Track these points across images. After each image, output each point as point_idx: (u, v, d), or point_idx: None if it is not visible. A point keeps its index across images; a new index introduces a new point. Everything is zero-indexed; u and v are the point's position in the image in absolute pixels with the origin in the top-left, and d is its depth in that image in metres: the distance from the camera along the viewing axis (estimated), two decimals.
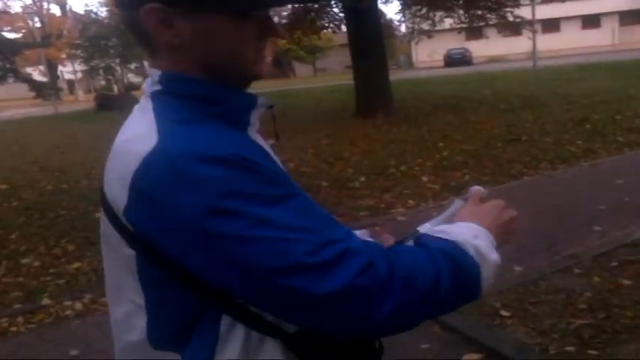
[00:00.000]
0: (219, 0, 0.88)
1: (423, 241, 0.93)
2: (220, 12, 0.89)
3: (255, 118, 0.99)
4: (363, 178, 7.15)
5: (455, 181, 6.66)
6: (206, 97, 0.92)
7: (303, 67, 51.20)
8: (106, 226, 0.92)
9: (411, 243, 1.00)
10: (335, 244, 0.80)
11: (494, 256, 0.94)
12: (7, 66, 8.99)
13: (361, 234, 1.23)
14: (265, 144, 1.05)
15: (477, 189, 1.12)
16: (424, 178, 6.90)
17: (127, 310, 0.93)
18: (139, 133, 0.87)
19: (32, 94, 9.53)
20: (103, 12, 46.03)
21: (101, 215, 0.93)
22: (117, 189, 0.84)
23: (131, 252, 0.87)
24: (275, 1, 0.98)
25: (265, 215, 0.78)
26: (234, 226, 0.77)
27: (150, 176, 0.80)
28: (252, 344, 0.90)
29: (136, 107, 0.96)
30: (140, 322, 0.91)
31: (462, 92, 17.09)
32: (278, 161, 1.01)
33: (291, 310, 0.82)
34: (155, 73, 0.95)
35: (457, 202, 1.13)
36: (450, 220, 1.07)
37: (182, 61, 0.92)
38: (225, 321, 0.88)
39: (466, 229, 0.96)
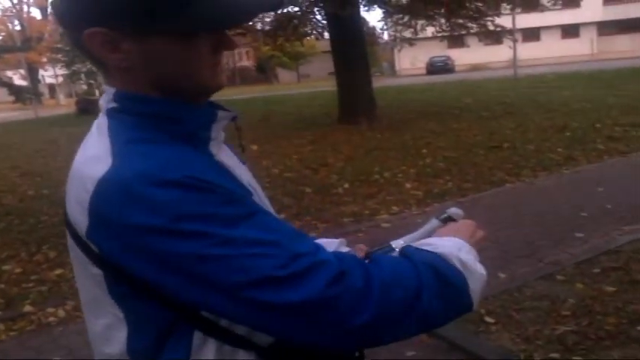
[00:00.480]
0: (165, 23, 0.85)
1: (407, 252, 0.93)
2: (167, 34, 0.86)
3: (218, 131, 0.97)
4: (346, 185, 7.16)
5: (438, 187, 6.70)
6: (161, 115, 0.90)
7: (287, 73, 51.21)
8: (72, 245, 0.92)
9: (396, 254, 1.03)
10: (303, 256, 0.80)
11: (479, 268, 0.95)
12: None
13: (339, 243, 1.26)
14: (232, 156, 1.04)
15: (455, 211, 1.15)
16: (407, 185, 6.93)
17: (107, 322, 0.92)
18: (94, 155, 0.86)
19: (12, 98, 9.36)
20: None
21: (67, 234, 0.93)
22: (77, 212, 0.85)
23: (98, 271, 0.87)
24: (221, 23, 0.92)
25: (225, 234, 0.78)
26: (193, 246, 0.77)
27: (106, 200, 0.80)
28: (224, 358, 0.89)
29: (94, 124, 0.95)
30: (120, 335, 0.91)
31: (444, 100, 17.23)
32: (244, 174, 1.01)
33: (264, 322, 0.82)
34: (110, 91, 0.93)
35: (433, 221, 1.15)
36: (424, 238, 1.09)
37: (134, 81, 0.91)
38: (197, 335, 0.88)
39: (450, 242, 0.98)
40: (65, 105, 38.33)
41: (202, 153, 0.92)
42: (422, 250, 0.94)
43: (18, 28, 42.46)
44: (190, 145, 0.90)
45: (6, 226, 6.44)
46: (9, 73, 31.20)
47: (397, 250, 1.09)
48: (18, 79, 32.94)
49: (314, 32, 17.01)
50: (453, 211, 1.15)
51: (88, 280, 0.91)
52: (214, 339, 0.89)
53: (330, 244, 1.25)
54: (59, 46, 41.20)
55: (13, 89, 8.64)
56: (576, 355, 2.87)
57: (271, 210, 1.06)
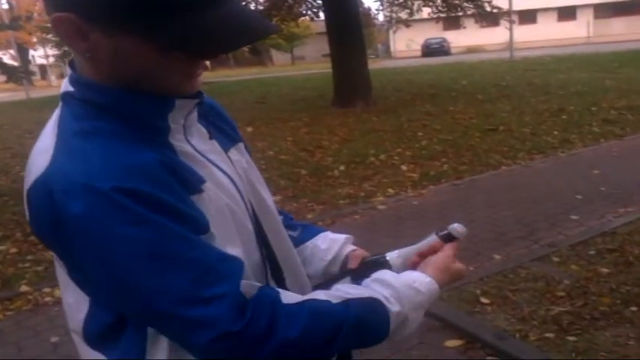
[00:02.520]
0: (140, 30, 0.80)
1: (352, 304, 0.90)
2: (145, 38, 0.81)
3: (179, 120, 0.92)
4: (342, 167, 7.14)
5: (434, 170, 6.70)
6: (112, 106, 0.87)
7: (281, 55, 50.86)
8: None
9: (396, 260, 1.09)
10: (201, 304, 0.78)
11: (417, 321, 0.97)
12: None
13: (345, 240, 1.24)
14: (211, 142, 0.99)
15: (457, 228, 1.10)
16: (403, 167, 6.92)
17: (71, 300, 0.93)
18: (41, 147, 0.86)
19: (2, 78, 9.24)
20: None
21: None
22: (24, 202, 0.87)
23: (56, 255, 0.89)
24: (201, 51, 0.87)
25: (118, 260, 0.78)
26: (90, 260, 0.80)
27: (34, 201, 0.84)
28: (179, 352, 0.88)
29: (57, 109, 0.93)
30: (80, 315, 0.92)
31: (440, 82, 17.17)
32: (222, 162, 0.98)
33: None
34: (71, 74, 0.91)
35: (432, 237, 1.11)
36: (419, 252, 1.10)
37: (95, 70, 0.87)
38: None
39: (413, 296, 0.97)
40: (56, 86, 37.87)
41: (159, 145, 0.88)
42: (370, 301, 0.92)
43: (6, 6, 41.91)
44: (145, 135, 0.87)
45: (0, 206, 6.40)
46: None
47: (390, 261, 1.10)
48: (8, 59, 32.57)
49: (309, 12, 16.90)
50: (455, 227, 1.10)
51: (54, 259, 0.92)
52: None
53: (336, 241, 1.24)
54: (49, 25, 40.65)
55: (5, 68, 8.50)
56: (571, 335, 2.89)
57: (267, 202, 1.06)
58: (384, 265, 1.10)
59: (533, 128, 8.69)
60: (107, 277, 0.80)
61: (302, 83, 21.12)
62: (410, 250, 1.11)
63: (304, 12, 17.05)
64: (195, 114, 0.96)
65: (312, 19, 17.53)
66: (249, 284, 0.84)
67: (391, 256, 1.12)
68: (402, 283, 0.97)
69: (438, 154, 7.43)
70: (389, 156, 7.56)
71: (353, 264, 1.16)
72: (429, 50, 40.31)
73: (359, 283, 1.00)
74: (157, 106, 0.89)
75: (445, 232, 1.10)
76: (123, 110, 0.87)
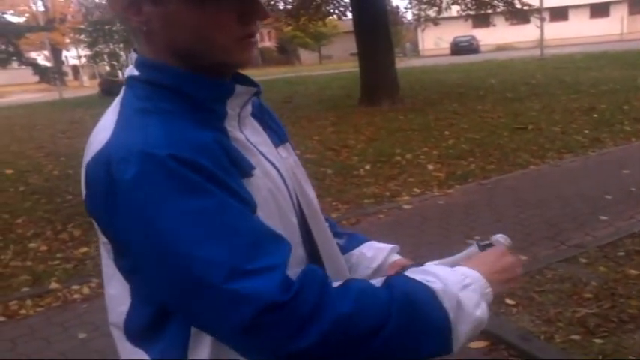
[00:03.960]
0: None
1: (394, 282, 0.88)
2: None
3: (236, 107, 0.93)
4: (368, 166, 7.14)
5: (460, 169, 6.65)
6: (173, 85, 0.89)
7: (308, 54, 50.95)
8: None
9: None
10: (242, 278, 0.75)
11: (479, 311, 0.90)
12: (11, 50, 8.94)
13: (390, 250, 1.24)
14: (262, 134, 1.01)
15: (499, 239, 1.07)
16: (430, 167, 6.89)
17: (114, 292, 0.94)
18: (102, 125, 0.89)
19: (36, 79, 9.47)
20: None
21: None
22: (82, 179, 0.88)
23: (105, 240, 0.89)
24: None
25: (167, 227, 0.77)
26: (140, 228, 0.78)
27: (91, 174, 0.84)
28: (221, 354, 0.88)
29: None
30: (122, 308, 0.93)
31: (469, 81, 17.01)
32: (271, 154, 0.99)
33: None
34: (134, 57, 0.94)
35: (472, 248, 1.07)
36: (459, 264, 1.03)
37: (156, 49, 0.90)
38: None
39: (458, 276, 0.92)
40: (89, 86, 38.70)
41: (215, 129, 0.89)
42: (412, 281, 0.88)
43: (42, 9, 42.84)
44: (204, 118, 0.89)
45: (32, 205, 6.57)
46: (33, 55, 31.50)
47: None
48: (42, 60, 33.33)
49: (337, 11, 16.90)
50: (497, 237, 1.06)
51: (101, 248, 0.93)
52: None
53: (382, 250, 1.23)
54: (82, 26, 41.49)
55: (38, 68, 8.71)
56: (597, 337, 2.85)
57: (310, 197, 1.06)
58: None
59: (563, 127, 8.56)
60: (152, 245, 0.78)
61: (329, 82, 21.15)
62: (450, 261, 1.07)
63: (332, 11, 17.06)
64: (249, 106, 0.98)
65: (339, 17, 17.51)
66: (293, 271, 0.82)
67: (430, 265, 1.06)
68: (442, 269, 0.95)
69: (465, 154, 7.37)
70: (415, 155, 7.53)
71: (391, 271, 1.14)
72: (457, 48, 39.96)
73: None
74: (217, 90, 0.91)
75: (487, 242, 1.06)
76: (184, 91, 0.89)
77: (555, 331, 2.96)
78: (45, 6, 43.68)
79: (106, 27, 40.67)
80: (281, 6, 16.31)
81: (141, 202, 0.77)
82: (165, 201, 0.77)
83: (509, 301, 3.34)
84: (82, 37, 42.09)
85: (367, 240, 1.27)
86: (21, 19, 39.14)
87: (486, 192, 5.77)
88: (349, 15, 15.56)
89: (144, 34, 0.90)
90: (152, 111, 0.86)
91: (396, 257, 1.24)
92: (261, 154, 0.96)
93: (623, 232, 4.27)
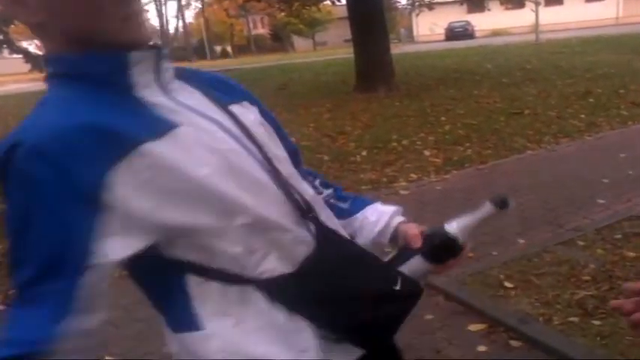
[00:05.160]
0: None
1: None
2: None
3: (144, 74, 0.92)
4: (364, 152, 7.13)
5: (457, 154, 6.65)
6: (71, 71, 0.90)
7: (302, 41, 50.73)
8: None
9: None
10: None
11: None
12: (1, 37, 8.83)
13: (393, 212, 1.24)
14: (192, 97, 0.99)
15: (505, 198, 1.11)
16: (426, 152, 6.88)
17: None
18: None
19: (27, 68, 9.35)
20: None
21: None
22: None
23: None
24: None
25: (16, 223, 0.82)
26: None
27: None
28: (230, 296, 0.94)
29: None
30: None
31: (464, 66, 16.96)
32: (209, 110, 0.98)
33: None
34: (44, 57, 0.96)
35: (487, 206, 1.10)
36: (474, 223, 1.10)
37: (51, 41, 0.91)
38: (191, 280, 0.93)
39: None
40: None
41: (124, 102, 0.89)
42: None
43: None
44: (109, 94, 0.89)
45: None
46: (24, 44, 31.16)
47: (452, 233, 1.11)
48: (33, 49, 32.97)
49: None
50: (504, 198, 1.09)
51: None
52: (210, 280, 0.93)
53: (385, 213, 1.24)
54: None
55: (30, 57, 8.62)
56: (596, 319, 2.87)
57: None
58: (451, 239, 1.12)
59: (559, 112, 8.55)
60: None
61: (323, 69, 21.07)
62: (467, 220, 1.11)
63: None
64: (169, 72, 0.96)
65: (333, 3, 17.39)
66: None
67: (450, 226, 1.12)
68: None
69: (462, 139, 7.37)
70: (412, 141, 7.52)
71: (416, 242, 1.14)
72: (452, 34, 39.83)
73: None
74: (110, 63, 0.90)
75: (500, 198, 1.09)
76: (82, 73, 0.89)
77: (554, 313, 2.97)
78: None
79: None
80: None
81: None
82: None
83: (507, 284, 3.35)
84: None
85: (371, 203, 1.28)
86: None
87: (483, 177, 5.77)
88: (343, 0, 15.48)
89: (36, 28, 0.90)
90: (45, 102, 0.90)
91: (400, 219, 1.24)
92: (195, 111, 0.95)
93: (621, 215, 4.28)
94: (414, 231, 1.16)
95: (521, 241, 4.01)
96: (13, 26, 8.81)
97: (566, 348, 2.67)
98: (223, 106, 1.01)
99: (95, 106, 0.87)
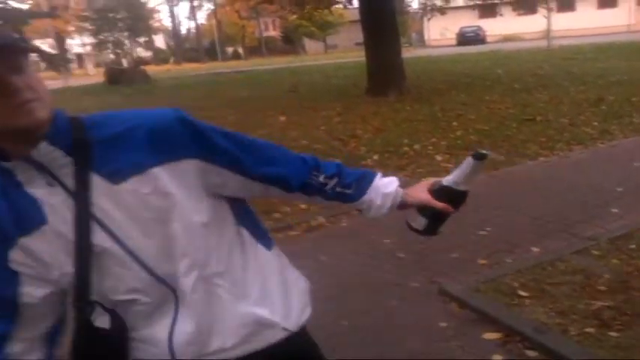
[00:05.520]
0: None
1: None
2: None
3: (23, 173, 1.05)
4: (376, 156, 7.12)
5: None
6: None
7: (313, 43, 50.76)
8: None
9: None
10: None
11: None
12: (17, 36, 8.89)
13: (395, 192, 1.42)
14: (47, 190, 1.07)
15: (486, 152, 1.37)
16: (438, 157, 6.86)
17: None
18: None
19: (40, 67, 9.40)
20: None
21: None
22: None
23: None
24: None
25: None
26: None
27: None
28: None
29: None
30: None
31: (476, 71, 16.91)
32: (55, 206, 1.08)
33: None
34: None
35: (469, 160, 1.35)
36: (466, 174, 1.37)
37: None
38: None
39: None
40: (94, 75, 38.59)
41: (14, 195, 1.06)
42: None
43: None
44: (8, 187, 1.07)
45: None
46: (37, 42, 31.41)
47: (451, 186, 1.39)
48: (47, 48, 33.23)
49: (343, 1, 16.80)
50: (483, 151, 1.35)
51: None
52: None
53: (388, 197, 1.40)
54: (86, 14, 41.30)
55: (45, 56, 8.68)
56: (613, 330, 2.84)
57: None
58: (461, 192, 1.40)
59: (571, 118, 8.50)
60: None
61: (335, 72, 21.07)
62: (459, 173, 1.38)
63: (338, 0, 16.97)
64: (58, 161, 1.05)
65: (345, 6, 17.41)
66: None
67: (448, 181, 1.40)
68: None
69: (474, 145, 7.31)
70: (423, 146, 7.50)
71: (435, 204, 1.40)
72: (463, 39, 39.67)
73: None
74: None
75: (479, 153, 1.35)
76: None
77: (570, 323, 2.94)
78: None
79: (110, 15, 40.47)
80: None
81: None
82: None
83: (522, 292, 3.32)
84: (87, 24, 42.05)
85: (372, 180, 1.41)
86: (24, 6, 39.02)
87: (496, 183, 5.74)
88: (355, 3, 15.48)
89: None
90: None
91: (401, 192, 1.42)
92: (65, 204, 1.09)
93: (635, 225, 4.23)
94: (426, 196, 1.40)
95: (535, 249, 3.99)
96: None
97: None
98: (116, 182, 1.09)
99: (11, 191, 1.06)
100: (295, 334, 1.34)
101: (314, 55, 44.31)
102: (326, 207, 4.90)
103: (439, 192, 1.40)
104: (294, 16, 23.74)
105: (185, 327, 1.18)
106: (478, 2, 17.60)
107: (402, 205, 1.42)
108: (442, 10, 19.28)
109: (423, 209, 1.43)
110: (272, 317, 1.29)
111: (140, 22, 43.66)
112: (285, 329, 1.32)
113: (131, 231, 1.10)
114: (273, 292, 1.33)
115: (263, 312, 1.28)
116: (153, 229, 1.11)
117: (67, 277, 1.09)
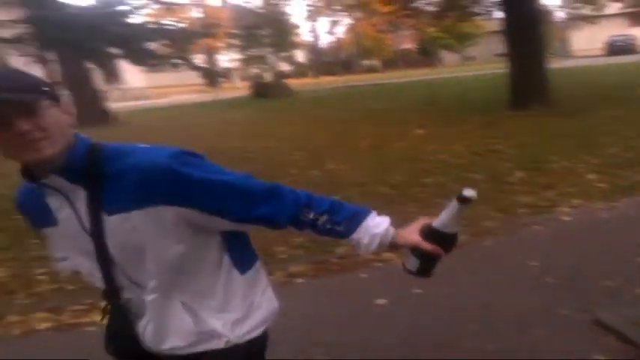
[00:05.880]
0: None
1: None
2: None
3: (48, 198, 1.36)
4: (520, 173, 6.84)
5: (626, 180, 6.14)
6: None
7: (451, 55, 49.89)
8: None
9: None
10: None
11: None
12: (182, 55, 9.76)
13: (384, 232, 1.47)
14: (65, 210, 1.37)
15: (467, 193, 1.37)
16: (589, 176, 6.44)
17: None
18: None
19: (190, 81, 10.21)
20: (257, 1, 48.38)
21: None
22: None
23: None
24: None
25: None
26: None
27: None
28: None
29: None
30: None
31: (628, 83, 15.64)
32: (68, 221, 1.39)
33: None
34: None
35: (454, 202, 1.37)
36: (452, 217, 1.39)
37: None
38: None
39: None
40: (240, 88, 40.87)
41: (44, 200, 1.37)
42: None
43: (199, 15, 46.09)
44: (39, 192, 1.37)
45: None
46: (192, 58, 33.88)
47: (434, 226, 1.40)
48: (198, 62, 35.78)
49: (484, 12, 16.38)
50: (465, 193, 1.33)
51: None
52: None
53: (375, 237, 1.45)
54: (235, 31, 44.00)
55: (206, 72, 9.41)
56: None
57: None
58: (451, 235, 1.42)
59: None
60: None
61: (473, 84, 20.59)
62: (446, 216, 1.39)
63: (478, 11, 16.58)
64: (65, 186, 1.31)
65: (487, 18, 16.97)
66: None
67: (437, 223, 1.41)
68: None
69: (630, 163, 6.79)
70: (572, 163, 7.08)
71: (426, 247, 1.41)
72: (613, 48, 36.77)
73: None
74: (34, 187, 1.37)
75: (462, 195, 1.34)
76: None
77: None
78: (202, 12, 47.02)
79: (256, 31, 42.82)
80: (425, 7, 16.14)
81: None
82: None
83: None
84: (236, 41, 44.78)
85: (363, 219, 1.47)
86: (181, 25, 42.37)
87: None
88: (495, 15, 15.04)
89: None
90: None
91: (391, 233, 1.47)
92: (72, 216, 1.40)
93: None
94: (416, 237, 1.43)
95: None
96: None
97: None
98: (109, 214, 1.33)
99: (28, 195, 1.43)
100: (235, 346, 1.50)
101: (451, 67, 43.51)
102: (466, 224, 4.82)
103: (428, 234, 1.41)
104: (432, 29, 23.52)
105: (149, 327, 1.48)
106: (631, 10, 16.22)
107: (393, 246, 1.48)
108: (591, 20, 18.07)
109: (415, 250, 1.45)
110: (222, 330, 1.47)
111: (283, 38, 45.64)
112: (229, 341, 1.48)
113: (117, 251, 1.38)
114: (232, 309, 1.50)
115: (216, 324, 1.47)
116: (132, 253, 1.37)
117: (78, 265, 1.48)
